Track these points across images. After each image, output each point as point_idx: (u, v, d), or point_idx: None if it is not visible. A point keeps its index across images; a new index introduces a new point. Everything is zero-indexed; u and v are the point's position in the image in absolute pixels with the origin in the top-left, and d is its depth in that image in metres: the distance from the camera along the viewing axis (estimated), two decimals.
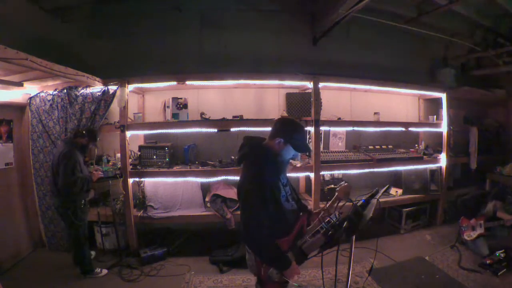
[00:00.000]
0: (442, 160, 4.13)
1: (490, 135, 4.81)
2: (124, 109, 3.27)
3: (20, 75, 2.94)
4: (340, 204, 1.65)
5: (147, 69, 3.67)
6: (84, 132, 2.93)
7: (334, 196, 1.70)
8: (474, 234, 3.24)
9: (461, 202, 3.45)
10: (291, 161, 3.52)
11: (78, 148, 2.83)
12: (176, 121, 3.48)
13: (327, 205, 1.72)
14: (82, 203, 2.84)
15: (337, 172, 3.98)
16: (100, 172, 3.00)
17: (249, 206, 1.44)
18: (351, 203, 1.59)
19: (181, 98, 3.58)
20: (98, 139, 2.97)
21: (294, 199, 1.65)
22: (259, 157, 1.54)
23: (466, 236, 3.31)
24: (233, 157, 3.58)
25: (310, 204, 3.55)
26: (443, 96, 4.16)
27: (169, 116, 3.56)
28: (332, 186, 3.73)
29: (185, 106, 3.58)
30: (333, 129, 4.14)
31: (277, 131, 1.55)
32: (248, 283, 2.79)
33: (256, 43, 4.09)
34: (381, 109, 4.21)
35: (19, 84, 3.18)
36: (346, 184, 1.70)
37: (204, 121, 3.48)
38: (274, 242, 1.44)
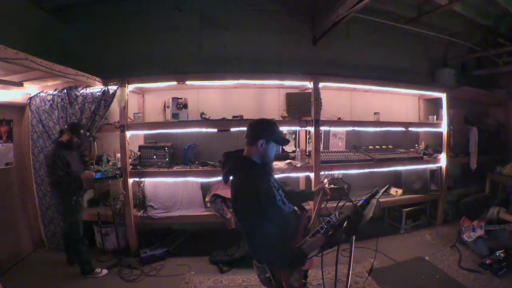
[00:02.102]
0: (442, 160, 4.13)
1: (490, 135, 4.81)
2: (124, 109, 3.27)
3: (20, 75, 2.94)
4: (340, 204, 1.65)
5: (147, 69, 3.67)
6: (66, 127, 2.94)
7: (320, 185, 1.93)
8: (474, 236, 3.25)
9: (465, 203, 3.45)
10: (291, 161, 3.53)
11: (63, 146, 2.82)
12: (176, 121, 3.48)
13: (319, 198, 1.87)
14: (73, 200, 2.82)
15: (337, 172, 3.98)
16: (93, 173, 2.96)
17: (251, 219, 1.40)
18: (351, 203, 1.59)
19: (181, 98, 3.58)
20: (82, 131, 2.92)
21: (289, 201, 1.65)
22: (245, 167, 1.52)
23: (466, 237, 3.32)
24: None
25: (310, 204, 3.55)
26: (443, 96, 4.16)
27: (169, 116, 3.56)
28: (332, 186, 3.74)
29: (185, 106, 3.58)
30: (333, 129, 4.14)
31: (255, 135, 1.54)
32: (248, 283, 2.79)
33: (256, 43, 4.10)
34: (381, 109, 4.21)
35: (19, 84, 3.18)
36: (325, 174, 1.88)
37: (204, 121, 3.47)
38: (286, 246, 1.41)
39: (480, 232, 3.19)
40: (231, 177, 1.57)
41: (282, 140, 1.62)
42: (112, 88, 3.29)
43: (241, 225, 1.52)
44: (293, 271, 1.46)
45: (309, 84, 3.57)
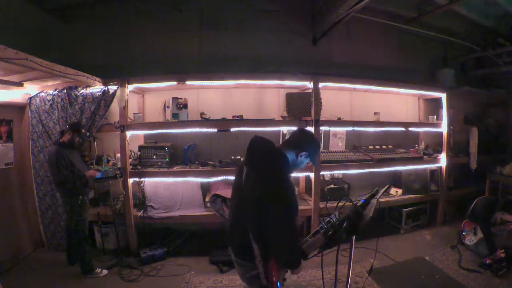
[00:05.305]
0: (442, 160, 4.13)
1: (490, 135, 4.81)
2: (124, 109, 3.27)
3: (20, 75, 2.94)
4: (340, 204, 1.65)
5: (147, 69, 3.68)
6: (67, 126, 2.96)
7: None
8: (475, 239, 3.24)
9: (474, 207, 3.40)
10: None
11: (65, 146, 2.83)
12: (176, 121, 3.48)
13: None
14: (79, 199, 2.84)
15: (337, 172, 3.98)
16: (97, 172, 3.01)
17: (283, 215, 1.35)
18: (351, 203, 1.59)
19: (181, 98, 3.58)
20: (82, 130, 2.95)
21: None
22: (284, 164, 1.49)
23: (467, 241, 3.31)
24: (233, 157, 3.58)
25: (310, 204, 3.56)
26: (443, 96, 4.16)
27: (169, 116, 3.56)
28: (332, 186, 3.74)
29: (185, 106, 3.58)
30: (333, 129, 4.13)
31: (303, 145, 1.55)
32: None
33: (256, 43, 4.09)
34: (381, 109, 4.21)
35: (19, 84, 3.18)
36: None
37: (204, 121, 3.47)
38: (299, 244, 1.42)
39: (480, 234, 3.19)
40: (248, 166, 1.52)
41: (317, 162, 1.65)
42: (112, 88, 3.29)
43: (267, 219, 1.39)
44: (295, 269, 1.46)
45: (309, 84, 3.57)
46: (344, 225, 1.37)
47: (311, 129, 3.49)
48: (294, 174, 3.57)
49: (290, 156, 1.52)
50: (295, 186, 1.62)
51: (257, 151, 1.52)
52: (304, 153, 1.53)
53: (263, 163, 1.47)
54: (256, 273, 1.44)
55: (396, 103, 4.58)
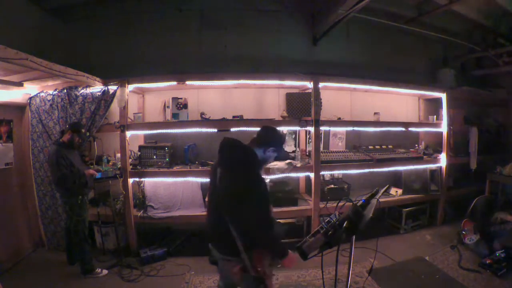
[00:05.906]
0: (442, 160, 4.13)
1: (490, 135, 4.81)
2: (124, 109, 3.27)
3: (20, 75, 2.94)
4: (340, 204, 1.66)
5: (147, 69, 3.68)
6: (67, 126, 2.96)
7: None
8: (475, 238, 3.25)
9: (474, 207, 3.41)
10: (291, 161, 3.53)
11: (65, 146, 2.82)
12: (176, 121, 3.48)
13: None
14: (79, 199, 2.84)
15: (337, 172, 3.99)
16: (96, 172, 3.00)
17: (253, 203, 1.52)
18: (351, 203, 1.60)
19: (181, 98, 3.58)
20: (82, 130, 2.95)
21: None
22: (253, 160, 1.67)
23: (467, 240, 3.31)
24: None
25: (310, 204, 3.56)
26: (443, 96, 4.16)
27: (169, 116, 3.56)
28: (332, 186, 3.74)
29: (185, 106, 3.58)
30: (333, 129, 4.14)
31: (269, 141, 1.73)
32: None
33: (256, 43, 4.10)
34: (381, 109, 4.21)
35: (19, 84, 3.18)
36: None
37: (204, 121, 3.48)
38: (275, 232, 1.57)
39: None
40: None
41: (284, 156, 1.99)
42: (112, 88, 3.29)
43: (239, 211, 1.51)
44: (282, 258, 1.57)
45: (309, 84, 3.57)
46: (344, 225, 1.37)
47: (311, 129, 3.50)
48: (294, 174, 3.65)
49: (259, 152, 1.71)
50: (267, 185, 1.84)
51: (228, 150, 1.73)
52: (270, 148, 1.72)
53: (235, 160, 1.65)
54: (242, 265, 1.52)
55: (396, 103, 4.58)
